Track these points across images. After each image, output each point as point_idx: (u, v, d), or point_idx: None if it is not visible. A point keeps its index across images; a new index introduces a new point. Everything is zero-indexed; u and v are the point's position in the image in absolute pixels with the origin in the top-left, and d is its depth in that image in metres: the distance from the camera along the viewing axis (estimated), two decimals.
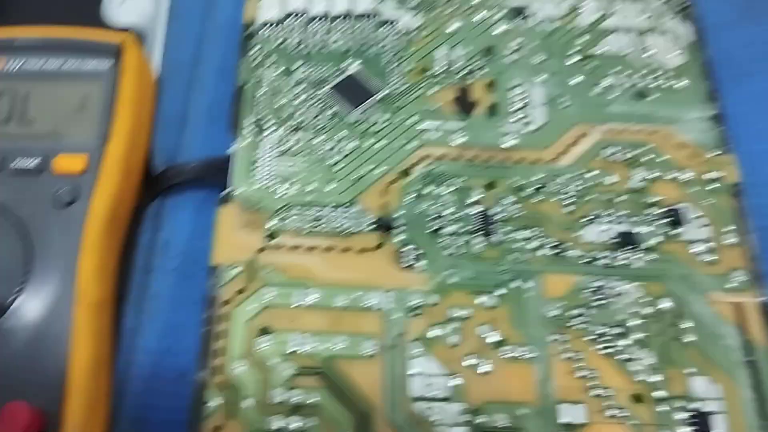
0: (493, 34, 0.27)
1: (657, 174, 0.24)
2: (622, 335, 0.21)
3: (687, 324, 0.21)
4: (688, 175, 0.24)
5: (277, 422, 0.19)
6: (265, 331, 0.21)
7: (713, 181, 0.24)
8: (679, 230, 0.23)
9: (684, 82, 0.26)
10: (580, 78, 0.26)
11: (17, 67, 0.23)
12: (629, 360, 0.21)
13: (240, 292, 0.21)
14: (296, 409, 0.20)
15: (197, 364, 0.20)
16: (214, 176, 0.24)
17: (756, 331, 0.21)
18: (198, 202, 0.24)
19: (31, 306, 0.20)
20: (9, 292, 0.20)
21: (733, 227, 0.23)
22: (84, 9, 0.29)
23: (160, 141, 0.25)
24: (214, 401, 0.20)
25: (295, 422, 0.19)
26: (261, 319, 0.21)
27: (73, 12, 0.29)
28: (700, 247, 0.22)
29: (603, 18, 0.27)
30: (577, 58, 0.26)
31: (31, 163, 0.22)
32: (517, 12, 0.27)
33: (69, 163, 0.22)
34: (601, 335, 0.21)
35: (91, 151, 0.22)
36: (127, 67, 0.23)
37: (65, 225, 0.21)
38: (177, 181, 0.24)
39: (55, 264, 0.21)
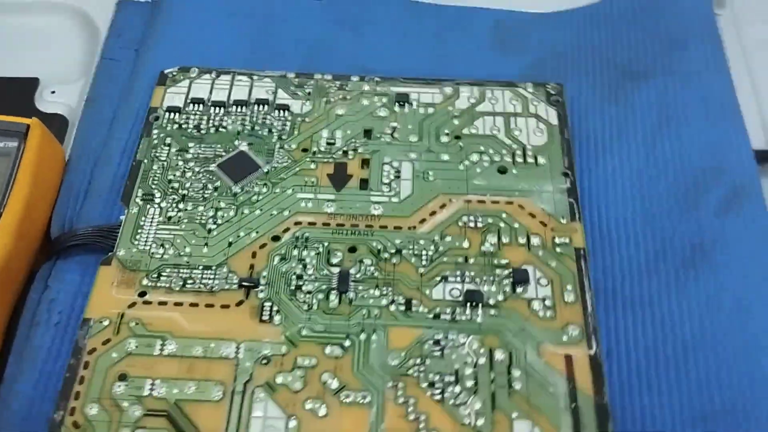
0: (374, 118, 0.30)
1: (507, 239, 0.26)
2: (454, 383, 0.23)
3: (517, 373, 0.23)
4: (536, 240, 0.26)
5: None
6: (122, 377, 0.23)
7: (559, 245, 0.26)
8: (521, 289, 0.25)
9: (543, 160, 0.28)
10: (447, 155, 0.28)
11: None
12: (458, 405, 0.22)
13: (105, 342, 0.23)
14: None
15: (55, 405, 0.22)
16: (103, 241, 0.26)
17: (583, 380, 0.23)
18: (85, 265, 0.26)
19: None
20: None
21: (571, 287, 0.25)
22: (21, 99, 0.33)
23: (62, 210, 0.27)
24: None
25: None
26: (121, 366, 0.23)
27: (11, 101, 0.32)
28: (540, 305, 0.24)
29: (476, 104, 0.30)
30: (448, 138, 0.29)
31: None
32: (400, 98, 0.30)
33: None
34: (435, 383, 0.23)
35: None
36: (29, 148, 0.27)
37: None
38: (69, 244, 0.26)
39: None
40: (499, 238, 0.26)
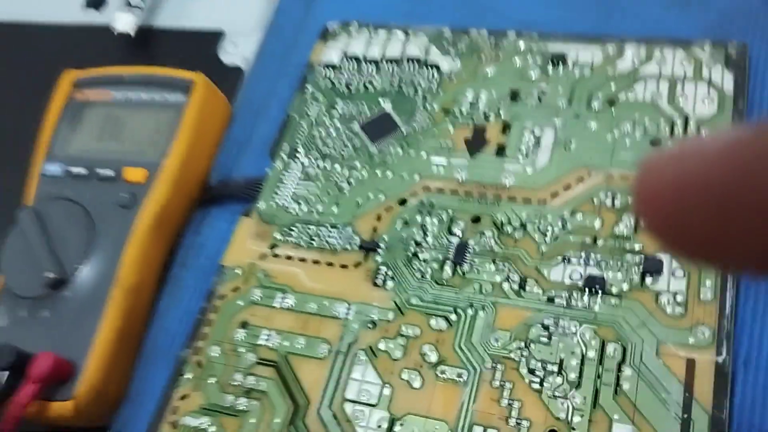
0: (523, 79, 0.28)
1: None
2: (556, 373, 0.21)
3: (628, 371, 0.21)
4: None
5: (229, 400, 0.23)
6: (244, 325, 0.24)
7: None
8: (651, 280, 0.22)
9: (706, 133, 0.25)
10: (596, 123, 0.26)
11: (122, 97, 0.30)
12: (557, 397, 0.21)
13: (235, 290, 0.25)
14: (247, 393, 0.23)
15: (185, 343, 0.24)
16: (251, 193, 0.28)
17: (703, 390, 0.20)
18: (235, 214, 0.28)
19: (83, 281, 0.26)
20: (72, 268, 0.26)
21: (711, 283, 0.22)
22: (207, 50, 0.35)
23: (223, 160, 0.30)
24: (188, 375, 0.24)
25: (243, 403, 0.23)
26: (244, 314, 0.25)
27: (198, 52, 0.35)
28: (669, 299, 0.22)
29: (641, 65, 0.27)
30: (601, 104, 0.27)
31: (109, 172, 0.28)
32: (556, 58, 0.28)
33: (134, 174, 0.28)
34: (535, 370, 0.22)
35: (151, 167, 0.28)
36: (192, 102, 0.29)
37: (122, 222, 0.27)
38: (221, 194, 0.28)
39: (108, 252, 0.26)
40: (638, 221, 0.24)
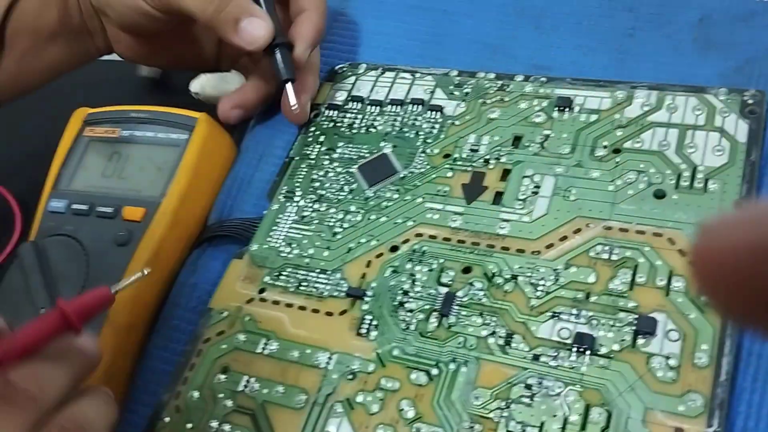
0: (528, 123, 0.27)
1: (643, 279, 0.22)
2: None
3: None
4: (678, 284, 0.22)
5: None
6: (225, 370, 0.24)
7: None
8: (644, 341, 0.21)
9: (714, 185, 0.24)
10: (598, 172, 0.25)
11: (128, 134, 0.30)
12: None
13: (219, 333, 0.25)
14: None
15: (167, 386, 0.24)
16: (245, 234, 0.28)
17: None
18: (230, 254, 0.28)
19: None
20: None
21: (708, 347, 0.21)
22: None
23: (223, 199, 0.30)
24: (167, 419, 0.23)
25: None
26: (226, 359, 0.24)
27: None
28: (661, 363, 0.21)
29: (650, 112, 0.26)
30: (605, 152, 0.26)
31: (108, 209, 0.28)
32: (562, 103, 0.27)
33: (132, 213, 0.28)
34: None
35: (150, 205, 0.28)
36: (193, 141, 0.29)
37: (117, 260, 0.27)
38: (216, 234, 0.28)
39: None
40: (634, 277, 0.22)
